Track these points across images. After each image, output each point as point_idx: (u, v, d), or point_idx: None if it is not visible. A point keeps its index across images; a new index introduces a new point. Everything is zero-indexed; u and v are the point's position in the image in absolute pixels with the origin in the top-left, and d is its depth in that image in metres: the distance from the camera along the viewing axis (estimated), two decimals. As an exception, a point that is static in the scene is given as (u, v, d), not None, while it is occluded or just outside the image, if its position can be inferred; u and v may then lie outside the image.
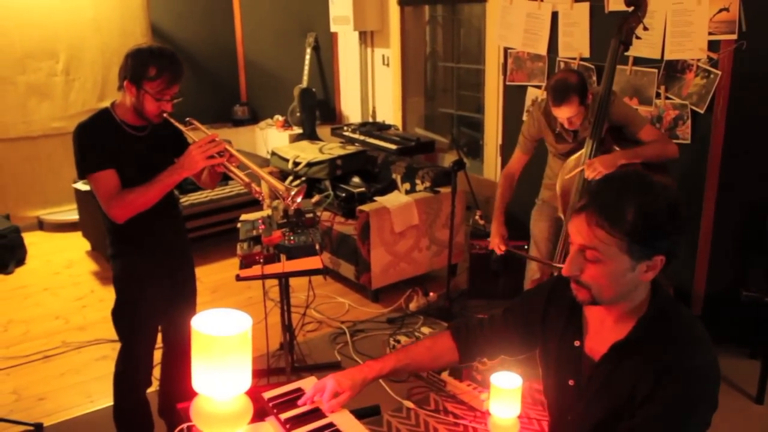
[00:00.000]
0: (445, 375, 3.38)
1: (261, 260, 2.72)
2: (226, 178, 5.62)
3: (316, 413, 1.76)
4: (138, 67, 2.45)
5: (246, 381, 1.66)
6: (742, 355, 3.58)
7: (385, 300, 4.44)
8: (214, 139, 2.52)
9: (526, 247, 4.14)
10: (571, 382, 1.62)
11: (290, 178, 5.02)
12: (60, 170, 5.94)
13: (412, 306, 4.26)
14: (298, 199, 2.57)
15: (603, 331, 1.55)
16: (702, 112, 3.56)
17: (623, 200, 1.38)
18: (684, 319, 1.49)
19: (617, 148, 3.15)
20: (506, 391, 3.04)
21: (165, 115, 2.54)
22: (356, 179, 4.93)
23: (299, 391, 1.85)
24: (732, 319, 3.48)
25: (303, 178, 4.92)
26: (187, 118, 2.70)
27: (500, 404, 3.07)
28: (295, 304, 3.50)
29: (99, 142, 2.49)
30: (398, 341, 3.69)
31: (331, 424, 1.71)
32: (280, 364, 3.52)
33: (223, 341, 1.57)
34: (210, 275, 4.89)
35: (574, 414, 1.60)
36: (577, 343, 1.61)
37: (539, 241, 3.58)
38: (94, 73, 5.98)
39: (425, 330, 3.87)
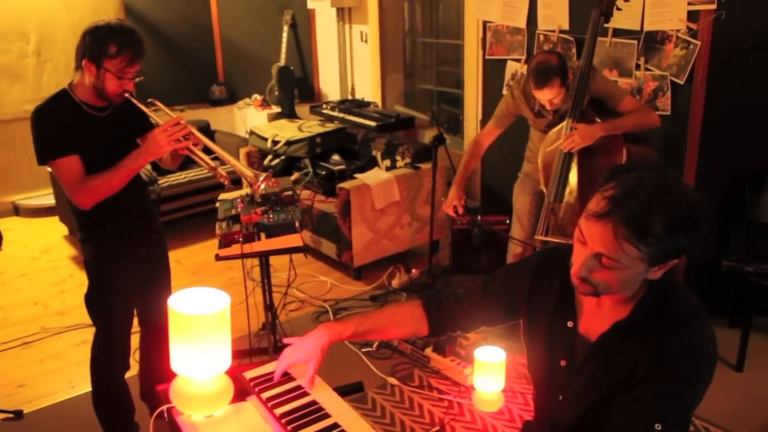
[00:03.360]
0: (428, 351, 3.38)
1: (240, 239, 2.68)
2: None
3: (297, 390, 1.74)
4: (97, 44, 2.35)
5: (225, 361, 1.63)
6: (722, 324, 3.62)
7: (367, 278, 4.42)
8: (179, 122, 2.45)
9: (507, 221, 4.15)
10: (562, 363, 1.59)
11: (269, 157, 4.96)
12: (34, 154, 5.82)
13: (395, 283, 4.25)
14: (263, 186, 2.52)
15: (600, 312, 1.52)
16: (682, 83, 3.55)
17: (652, 213, 1.29)
18: (683, 296, 1.47)
19: (599, 120, 3.13)
20: (490, 365, 3.07)
21: (127, 94, 2.46)
22: (336, 157, 4.89)
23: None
24: (712, 289, 3.50)
25: (281, 157, 4.87)
26: (150, 99, 2.61)
27: (484, 378, 3.10)
28: (276, 284, 3.46)
29: (59, 126, 2.39)
30: (381, 318, 3.68)
31: (314, 402, 1.69)
32: (263, 344, 3.50)
33: (200, 320, 1.54)
34: (189, 257, 4.84)
35: (568, 394, 1.58)
36: (570, 324, 1.57)
37: (521, 215, 3.57)
38: (67, 54, 5.84)
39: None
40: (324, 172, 4.61)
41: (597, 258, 1.37)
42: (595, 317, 1.54)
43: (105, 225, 2.57)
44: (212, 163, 2.49)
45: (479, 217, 4.14)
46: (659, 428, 1.37)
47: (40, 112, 2.42)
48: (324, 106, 5.86)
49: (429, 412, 3.08)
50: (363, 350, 3.51)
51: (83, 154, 2.43)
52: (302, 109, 6.38)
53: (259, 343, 3.54)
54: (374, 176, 4.31)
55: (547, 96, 3.12)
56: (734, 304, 3.63)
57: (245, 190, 3.17)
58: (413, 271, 4.32)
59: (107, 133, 2.51)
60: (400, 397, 3.19)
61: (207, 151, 2.55)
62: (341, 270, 4.55)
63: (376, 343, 3.55)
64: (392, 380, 3.28)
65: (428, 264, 4.16)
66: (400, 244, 4.53)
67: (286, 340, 1.86)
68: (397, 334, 1.85)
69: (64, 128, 2.40)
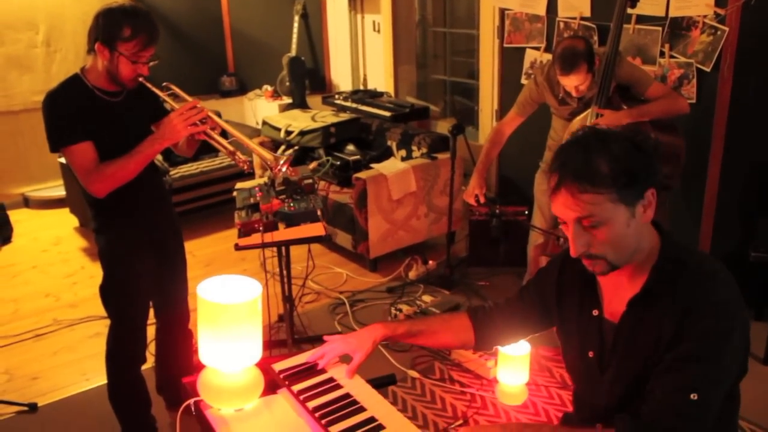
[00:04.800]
0: (449, 343, 3.31)
1: (260, 228, 2.61)
2: (215, 150, 5.49)
3: (330, 383, 1.68)
4: (111, 27, 2.27)
5: (256, 352, 1.57)
6: (749, 317, 3.53)
7: (383, 269, 4.35)
8: (196, 105, 2.37)
9: (526, 212, 4.08)
10: (590, 354, 1.56)
11: (282, 147, 4.89)
12: (44, 145, 5.62)
13: (412, 274, 4.18)
14: (284, 169, 2.45)
15: (620, 292, 1.50)
16: (708, 70, 3.47)
17: (590, 157, 1.35)
18: (699, 258, 1.45)
19: (625, 107, 3.06)
20: (514, 357, 3.00)
21: (141, 79, 2.39)
22: (351, 147, 4.81)
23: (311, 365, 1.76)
24: (739, 281, 3.42)
25: (296, 147, 4.80)
26: (165, 83, 2.53)
27: (508, 371, 3.03)
28: (292, 276, 3.39)
29: (71, 111, 2.31)
30: (400, 310, 3.61)
31: (347, 395, 1.63)
32: (280, 336, 3.44)
33: (231, 309, 1.48)
34: (202, 248, 4.78)
35: (602, 384, 1.54)
36: (595, 312, 1.56)
37: (542, 204, 3.50)
38: (76, 43, 5.80)
39: (426, 298, 3.80)
40: (339, 162, 4.53)
41: (580, 226, 1.39)
42: (616, 299, 1.52)
43: (119, 214, 2.50)
44: (230, 147, 2.42)
45: (497, 208, 4.07)
46: (695, 398, 1.33)
47: (51, 97, 2.34)
48: (336, 96, 5.79)
49: (451, 406, 3.01)
50: (382, 343, 3.44)
51: (96, 141, 2.35)
52: (313, 100, 6.31)
53: (276, 335, 3.48)
54: (390, 166, 4.24)
55: (573, 82, 3.04)
56: (762, 296, 3.55)
57: (263, 179, 3.10)
58: (430, 262, 4.25)
59: (121, 119, 2.43)
60: (422, 390, 3.12)
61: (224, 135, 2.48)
62: (357, 261, 4.48)
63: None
64: (413, 373, 3.21)
65: (446, 255, 4.09)
66: (416, 235, 4.46)
67: (327, 338, 1.82)
68: (447, 341, 1.89)
69: (77, 114, 2.32)
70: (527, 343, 3.03)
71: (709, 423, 1.35)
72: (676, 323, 1.37)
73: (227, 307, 1.47)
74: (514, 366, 3.00)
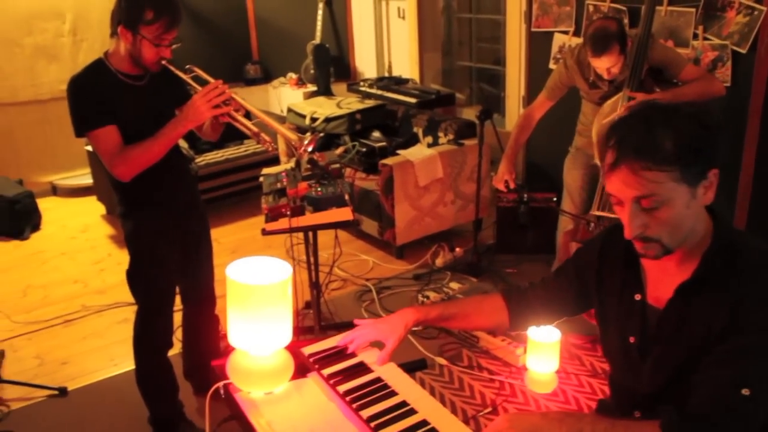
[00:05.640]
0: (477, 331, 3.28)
1: (288, 213, 2.59)
2: (241, 137, 5.50)
3: (361, 367, 1.65)
4: (133, 10, 2.26)
5: (286, 334, 1.55)
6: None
7: (409, 257, 4.32)
8: (219, 86, 2.35)
9: (555, 198, 4.03)
10: (632, 340, 1.50)
11: (308, 134, 4.87)
12: (71, 134, 5.70)
13: (439, 262, 4.14)
14: (310, 149, 2.42)
15: (666, 277, 1.43)
16: (744, 52, 3.38)
17: (653, 133, 1.28)
18: (754, 245, 1.38)
19: (658, 90, 2.99)
20: (544, 345, 2.96)
21: (164, 62, 2.37)
22: (376, 134, 4.77)
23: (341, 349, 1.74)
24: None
25: (320, 134, 4.77)
26: (188, 66, 2.51)
27: (538, 359, 2.99)
28: (319, 263, 3.37)
29: (95, 96, 2.31)
30: (427, 297, 3.59)
31: (378, 379, 1.60)
32: (307, 323, 3.43)
33: (261, 291, 1.46)
34: (228, 235, 4.79)
35: (643, 371, 1.48)
36: (638, 297, 1.49)
37: (573, 190, 3.44)
38: (102, 32, 5.81)
39: (454, 285, 3.76)
40: (365, 149, 4.50)
41: (638, 206, 1.31)
42: (661, 284, 1.45)
43: (145, 199, 2.50)
44: (255, 129, 2.39)
45: (526, 195, 4.02)
46: (747, 393, 1.26)
47: (75, 82, 2.34)
48: (361, 83, 5.74)
49: (480, 393, 2.98)
50: (414, 327, 3.41)
51: (121, 125, 2.35)
52: (338, 88, 6.28)
53: (303, 322, 3.47)
54: (417, 152, 4.20)
55: (605, 64, 2.98)
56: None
57: (289, 165, 3.08)
58: (457, 249, 4.20)
59: (145, 103, 2.42)
60: (449, 377, 3.09)
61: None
62: (383, 249, 4.45)
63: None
64: (441, 360, 3.18)
65: (473, 242, 4.05)
66: (443, 222, 4.42)
67: (357, 321, 1.79)
68: (481, 323, 1.84)
69: (101, 98, 2.32)
70: (557, 330, 2.99)
71: (759, 420, 1.29)
72: (729, 314, 1.30)
73: (257, 289, 1.45)
74: (544, 353, 2.95)
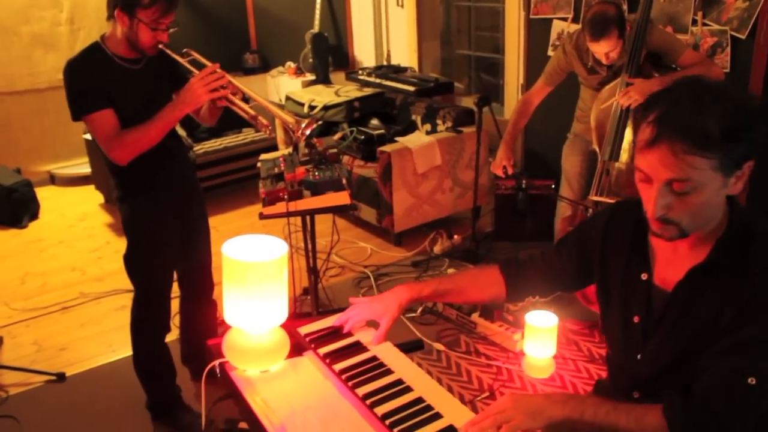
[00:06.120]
0: (475, 316, 3.28)
1: (285, 197, 2.59)
2: (239, 126, 5.50)
3: (357, 346, 1.65)
4: None
5: (282, 312, 1.55)
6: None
7: (407, 244, 4.32)
8: (216, 70, 2.34)
9: (553, 186, 4.02)
10: (636, 319, 1.47)
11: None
12: (69, 123, 5.61)
13: (437, 249, 4.14)
14: (308, 132, 2.41)
15: (676, 259, 1.40)
16: (743, 38, 3.37)
17: (702, 116, 1.20)
18: None
19: (657, 75, 2.98)
20: (542, 330, 2.95)
21: (161, 46, 2.37)
22: (375, 121, 4.77)
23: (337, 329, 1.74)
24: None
25: (318, 122, 4.76)
26: (185, 49, 2.51)
27: (535, 344, 2.98)
28: (317, 250, 3.37)
29: (92, 79, 2.31)
30: (425, 284, 3.58)
31: (374, 358, 1.60)
32: (305, 309, 3.43)
33: (257, 268, 1.45)
34: (226, 224, 4.78)
35: (646, 351, 1.46)
36: (644, 276, 1.46)
37: (571, 176, 3.44)
38: (100, 21, 5.78)
39: (451, 272, 3.76)
40: (363, 137, 4.49)
41: (668, 188, 1.25)
42: (671, 265, 1.42)
43: (142, 182, 2.50)
44: (252, 112, 2.39)
45: (524, 182, 4.01)
46: (753, 382, 1.25)
47: (72, 65, 2.34)
48: (360, 72, 5.73)
49: (477, 378, 2.98)
50: (407, 316, 3.42)
51: (117, 108, 2.35)
52: (336, 77, 6.26)
53: (300, 308, 3.47)
54: (416, 139, 4.19)
55: (604, 49, 2.97)
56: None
57: (287, 150, 3.07)
58: (455, 237, 4.20)
59: (141, 86, 2.42)
60: (447, 362, 3.09)
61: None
62: (381, 236, 4.45)
63: (420, 308, 3.46)
64: (438, 346, 3.18)
65: (472, 230, 4.05)
66: (441, 209, 4.42)
67: (353, 300, 1.78)
68: (477, 296, 1.79)
69: (98, 82, 2.31)
70: (555, 316, 2.99)
71: (760, 411, 1.28)
72: (741, 302, 1.28)
73: (253, 266, 1.45)
74: (541, 339, 2.95)
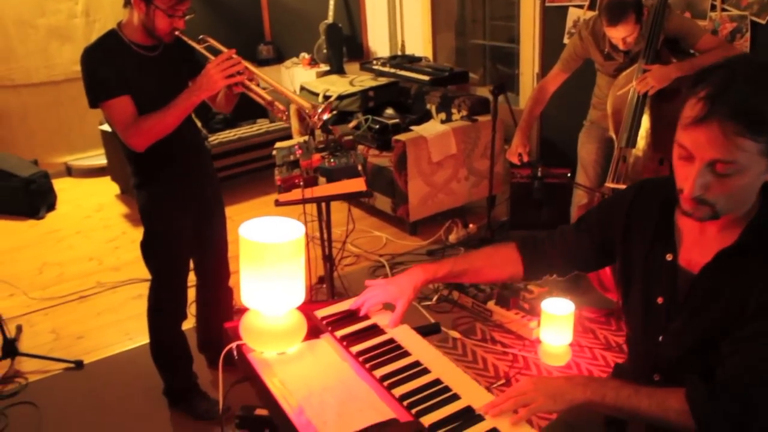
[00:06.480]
0: (491, 304, 3.28)
1: (301, 183, 2.58)
2: (254, 116, 5.50)
3: (373, 329, 1.65)
4: None
5: (299, 293, 1.55)
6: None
7: (423, 233, 4.31)
8: (232, 56, 2.34)
9: (569, 174, 3.99)
10: (659, 300, 1.44)
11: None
12: (85, 115, 5.81)
13: (452, 238, 4.13)
14: (325, 117, 2.40)
15: (704, 241, 1.37)
16: (763, 23, 3.32)
17: (758, 97, 1.16)
18: None
19: (674, 61, 2.95)
20: (558, 317, 2.94)
21: (177, 33, 2.37)
22: (389, 111, 4.76)
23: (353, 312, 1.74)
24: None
25: (333, 112, 4.76)
26: (201, 36, 2.50)
27: (551, 331, 2.98)
28: (332, 240, 3.37)
29: (109, 66, 2.31)
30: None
31: (391, 340, 1.60)
32: (320, 297, 3.43)
33: (274, 249, 1.45)
34: (241, 214, 4.77)
35: (669, 334, 1.43)
36: (669, 257, 1.43)
37: (587, 164, 3.41)
38: (115, 13, 5.80)
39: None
40: (378, 126, 4.48)
41: (710, 168, 1.21)
42: (698, 247, 1.39)
43: (159, 170, 2.50)
44: (268, 98, 2.38)
45: (540, 170, 3.99)
46: None
47: (89, 53, 2.34)
48: (374, 62, 5.71)
49: (493, 366, 2.97)
50: (422, 304, 3.42)
51: (134, 95, 2.35)
52: (351, 67, 6.24)
53: (316, 297, 3.47)
54: (431, 128, 4.18)
55: (621, 34, 2.94)
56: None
57: (302, 138, 3.07)
58: (470, 225, 4.19)
59: (158, 73, 2.42)
60: (463, 350, 3.09)
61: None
62: (396, 225, 4.44)
63: (435, 297, 3.46)
64: (454, 333, 3.18)
65: (487, 218, 4.03)
66: (456, 198, 4.40)
67: (368, 282, 1.77)
68: (493, 276, 1.77)
69: (115, 69, 2.32)
70: (571, 303, 2.97)
71: None
72: None
73: (270, 247, 1.45)
74: (558, 326, 2.94)
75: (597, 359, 3.00)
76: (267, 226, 1.52)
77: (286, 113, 2.37)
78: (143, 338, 3.07)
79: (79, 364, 3.14)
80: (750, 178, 1.22)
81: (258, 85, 2.39)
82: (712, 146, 1.19)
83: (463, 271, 1.71)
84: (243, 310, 1.59)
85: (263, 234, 1.49)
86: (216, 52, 2.40)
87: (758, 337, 1.27)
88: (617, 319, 3.22)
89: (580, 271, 1.76)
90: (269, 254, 1.44)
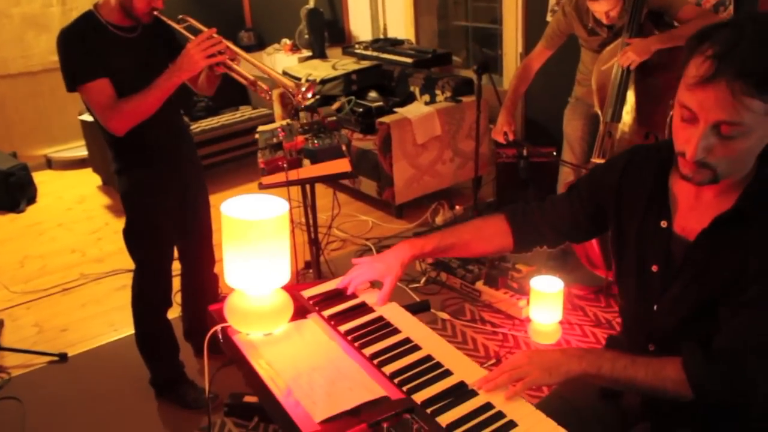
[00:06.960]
0: (479, 284, 3.25)
1: (284, 165, 2.54)
2: (236, 103, 5.44)
3: (362, 307, 1.61)
4: None
5: (285, 272, 1.50)
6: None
7: (409, 216, 4.28)
8: (213, 35, 2.28)
9: (554, 153, 3.97)
10: (654, 268, 1.41)
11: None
12: (64, 105, 5.73)
13: (438, 220, 4.10)
14: (309, 95, 2.36)
15: (700, 207, 1.34)
16: (746, -6, 3.31)
17: (766, 55, 1.12)
18: None
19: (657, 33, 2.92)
20: (547, 294, 2.92)
21: (156, 12, 2.31)
22: (373, 94, 4.70)
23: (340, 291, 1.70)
24: None
25: (316, 97, 4.70)
26: (181, 16, 2.45)
27: (541, 309, 2.96)
28: (317, 224, 3.33)
29: (86, 47, 2.25)
30: (428, 255, 3.54)
31: (380, 318, 1.56)
32: (307, 282, 3.39)
33: (257, 226, 1.41)
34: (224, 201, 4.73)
35: (664, 302, 1.40)
36: (664, 224, 1.40)
37: (573, 140, 3.39)
38: (92, 1, 5.72)
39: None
40: (361, 109, 4.43)
41: (715, 130, 1.17)
42: (694, 213, 1.36)
43: (140, 154, 2.45)
44: (251, 77, 2.33)
45: (525, 149, 3.95)
46: None
47: (65, 34, 2.28)
48: (357, 45, 5.65)
49: (483, 346, 2.96)
50: (410, 286, 3.39)
51: (113, 78, 2.29)
52: (333, 52, 6.18)
53: (303, 281, 3.43)
54: (415, 110, 4.14)
55: (604, 8, 2.91)
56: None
57: (285, 121, 3.02)
58: (457, 207, 4.17)
59: (137, 55, 2.36)
60: (452, 331, 3.07)
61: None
62: (382, 209, 4.41)
63: (423, 279, 3.43)
64: (443, 315, 3.16)
65: (473, 200, 4.00)
66: (442, 180, 4.37)
67: (355, 261, 1.73)
68: (482, 249, 1.71)
69: (92, 51, 2.26)
70: (560, 281, 2.96)
71: None
72: (766, 258, 1.23)
73: (253, 224, 1.40)
74: (547, 304, 2.92)
75: (587, 336, 2.99)
76: (250, 203, 1.48)
77: (270, 93, 2.32)
78: (128, 329, 3.03)
79: (63, 357, 3.09)
80: (753, 141, 1.19)
81: (239, 65, 2.34)
82: (719, 107, 1.15)
83: (450, 245, 1.67)
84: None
85: (246, 212, 1.45)
86: (196, 32, 2.34)
87: (755, 302, 1.24)
88: (606, 295, 3.21)
89: (570, 241, 1.72)
90: (253, 232, 1.40)
